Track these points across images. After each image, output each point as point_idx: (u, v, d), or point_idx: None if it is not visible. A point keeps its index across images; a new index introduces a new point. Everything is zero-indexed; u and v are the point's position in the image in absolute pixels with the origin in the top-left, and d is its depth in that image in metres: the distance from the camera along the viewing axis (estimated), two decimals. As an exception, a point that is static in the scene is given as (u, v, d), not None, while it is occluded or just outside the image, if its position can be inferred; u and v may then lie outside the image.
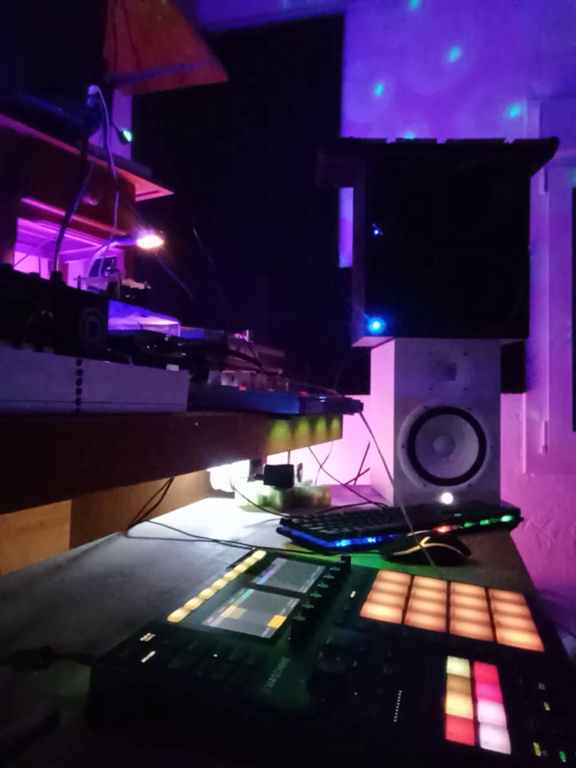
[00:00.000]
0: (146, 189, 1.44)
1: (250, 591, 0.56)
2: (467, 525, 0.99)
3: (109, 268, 1.15)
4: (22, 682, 0.45)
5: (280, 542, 0.91)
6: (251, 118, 2.30)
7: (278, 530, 0.93)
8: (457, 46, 2.15)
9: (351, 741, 0.36)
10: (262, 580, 0.60)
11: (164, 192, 1.47)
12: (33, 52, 1.05)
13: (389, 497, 1.26)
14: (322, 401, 0.98)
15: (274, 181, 2.25)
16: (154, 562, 0.80)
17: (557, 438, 2.03)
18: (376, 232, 1.22)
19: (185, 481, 1.19)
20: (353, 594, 0.57)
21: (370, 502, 1.24)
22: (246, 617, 0.50)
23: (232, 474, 1.22)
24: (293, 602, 0.54)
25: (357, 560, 0.70)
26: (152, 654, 0.42)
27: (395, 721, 0.37)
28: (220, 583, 0.57)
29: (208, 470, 1.25)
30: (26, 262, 1.31)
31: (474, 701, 0.40)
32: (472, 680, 0.43)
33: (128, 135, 1.31)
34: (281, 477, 1.17)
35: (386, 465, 1.23)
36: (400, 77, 2.20)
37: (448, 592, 0.61)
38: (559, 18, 2.05)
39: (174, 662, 0.41)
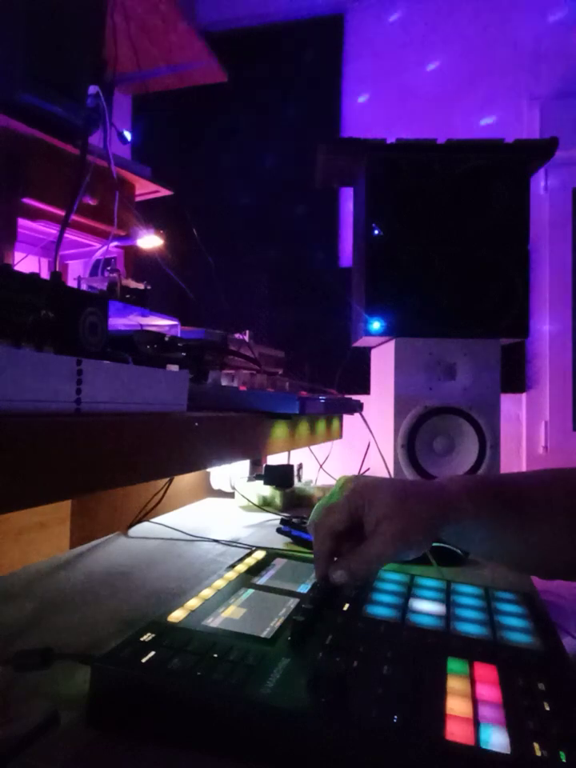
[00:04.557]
0: (146, 189, 1.44)
1: (250, 591, 0.56)
2: (467, 525, 0.99)
3: (109, 268, 1.15)
4: (21, 682, 0.45)
5: (280, 542, 0.91)
6: (251, 118, 2.30)
7: (278, 530, 0.93)
8: (457, 45, 2.15)
9: (351, 741, 0.36)
10: (262, 580, 0.60)
11: (164, 192, 1.47)
12: (33, 52, 1.05)
13: (389, 497, 1.25)
14: (322, 401, 0.98)
15: (274, 181, 2.25)
16: (154, 562, 0.80)
17: (557, 437, 2.03)
18: (376, 232, 1.22)
19: (185, 481, 1.19)
20: (353, 594, 0.57)
21: (370, 502, 1.24)
22: (245, 617, 0.50)
23: (232, 474, 1.22)
24: (293, 602, 0.54)
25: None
26: (152, 653, 0.42)
27: (395, 721, 0.37)
28: (220, 583, 0.57)
29: (208, 470, 1.25)
30: (26, 262, 1.31)
31: (474, 701, 0.40)
32: (472, 680, 0.43)
33: (128, 135, 1.31)
34: (281, 477, 1.17)
35: (386, 465, 1.22)
36: (400, 77, 2.20)
37: (448, 592, 0.61)
38: (559, 18, 2.05)
39: (173, 661, 0.41)
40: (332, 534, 0.53)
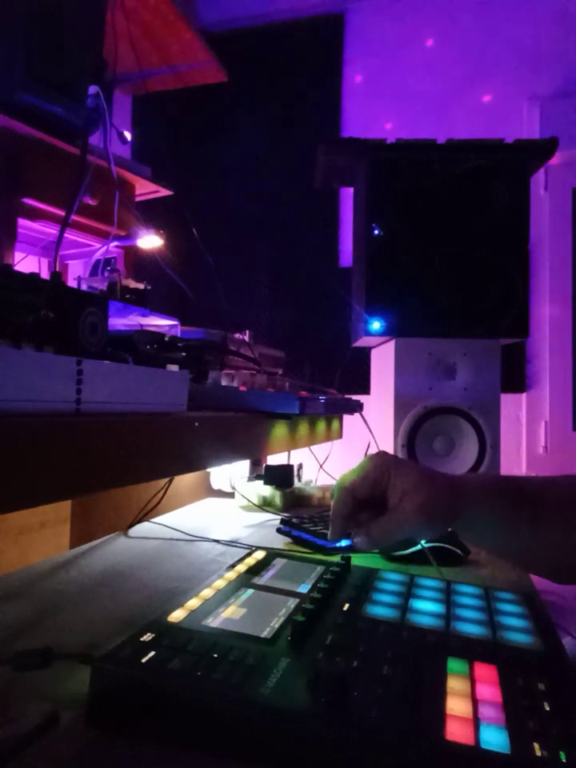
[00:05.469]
0: (146, 189, 1.44)
1: (250, 591, 0.56)
2: (467, 525, 0.99)
3: (109, 268, 1.15)
4: (21, 682, 0.45)
5: (280, 542, 0.91)
6: (251, 118, 2.30)
7: (278, 530, 0.93)
8: (457, 46, 2.15)
9: (351, 741, 0.36)
10: (262, 580, 0.60)
11: (164, 192, 1.47)
12: (33, 52, 1.05)
13: (389, 497, 1.25)
14: (322, 401, 0.98)
15: (274, 181, 2.25)
16: (154, 562, 0.80)
17: (557, 438, 2.03)
18: (376, 232, 1.22)
19: (185, 481, 1.19)
20: (353, 594, 0.57)
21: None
22: (246, 617, 0.50)
23: (232, 473, 1.22)
24: (293, 602, 0.54)
25: (357, 560, 0.70)
26: (152, 653, 0.42)
27: (395, 721, 0.37)
28: (220, 583, 0.57)
29: (208, 470, 1.25)
30: (26, 262, 1.31)
31: (474, 701, 0.40)
32: (472, 680, 0.43)
33: (128, 135, 1.31)
34: (281, 477, 1.17)
35: (386, 465, 1.22)
36: (400, 77, 2.20)
37: (448, 592, 0.61)
38: (559, 18, 2.05)
39: (174, 662, 0.41)
40: (353, 499, 0.56)
